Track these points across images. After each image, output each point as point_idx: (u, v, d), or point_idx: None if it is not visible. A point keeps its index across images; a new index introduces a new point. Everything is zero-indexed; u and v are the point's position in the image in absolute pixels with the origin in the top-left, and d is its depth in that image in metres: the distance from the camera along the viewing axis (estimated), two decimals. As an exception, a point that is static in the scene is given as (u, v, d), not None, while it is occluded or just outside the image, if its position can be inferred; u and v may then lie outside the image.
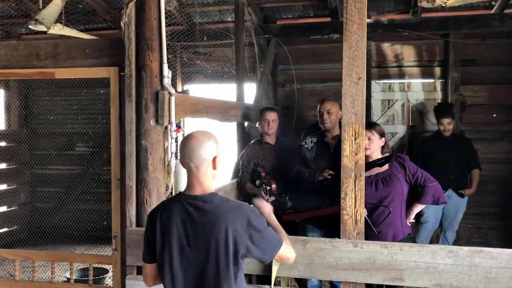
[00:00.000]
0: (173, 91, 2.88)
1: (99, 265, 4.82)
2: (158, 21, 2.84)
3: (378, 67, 6.06)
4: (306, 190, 3.69)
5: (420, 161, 4.70)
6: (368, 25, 2.60)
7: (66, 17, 5.04)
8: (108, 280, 4.95)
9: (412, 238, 4.69)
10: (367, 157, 3.10)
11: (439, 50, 5.92)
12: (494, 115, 5.70)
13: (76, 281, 3.68)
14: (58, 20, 4.72)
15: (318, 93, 6.08)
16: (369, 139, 3.29)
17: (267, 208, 2.32)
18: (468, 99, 5.80)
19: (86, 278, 4.35)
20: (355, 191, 2.59)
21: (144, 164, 2.85)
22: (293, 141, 4.27)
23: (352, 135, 2.58)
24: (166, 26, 2.91)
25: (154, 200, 2.83)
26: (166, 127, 2.89)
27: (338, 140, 3.69)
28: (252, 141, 4.38)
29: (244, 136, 4.76)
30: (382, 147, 3.39)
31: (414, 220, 3.46)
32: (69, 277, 4.58)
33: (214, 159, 2.01)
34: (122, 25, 2.86)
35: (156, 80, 2.85)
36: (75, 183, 6.82)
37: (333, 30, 5.77)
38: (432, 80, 6.00)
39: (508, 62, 5.58)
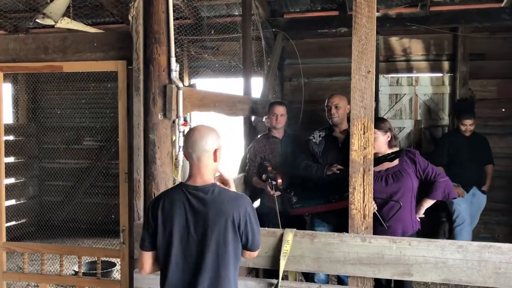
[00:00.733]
0: (180, 84, 2.88)
1: (107, 259, 4.85)
2: (166, 15, 2.84)
3: (386, 61, 6.02)
4: (313, 185, 3.68)
5: (445, 159, 4.82)
6: (376, 19, 2.57)
7: (74, 11, 5.04)
8: (116, 273, 4.98)
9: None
10: (374, 154, 3.09)
11: (447, 44, 5.87)
12: (503, 110, 5.64)
13: (84, 274, 3.71)
14: (65, 14, 4.72)
15: (326, 87, 6.06)
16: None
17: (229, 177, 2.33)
18: (476, 93, 5.74)
19: (94, 272, 4.39)
20: (363, 185, 2.59)
21: (152, 158, 2.85)
22: (302, 135, 4.26)
23: (361, 129, 2.57)
24: (173, 19, 2.90)
25: (162, 193, 2.83)
26: (173, 121, 2.89)
27: (347, 134, 3.67)
28: (260, 135, 4.37)
29: (251, 130, 4.75)
30: (390, 141, 3.36)
31: (424, 215, 3.44)
32: (76, 270, 4.62)
33: (215, 152, 2.10)
34: (130, 18, 2.85)
35: (164, 74, 2.85)
36: (83, 177, 6.86)
37: (340, 24, 5.72)
38: (440, 74, 5.95)
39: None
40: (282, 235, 2.59)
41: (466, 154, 4.93)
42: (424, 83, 5.98)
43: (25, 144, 6.77)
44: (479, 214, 5.18)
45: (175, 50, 2.90)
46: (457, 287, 4.69)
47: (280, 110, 4.01)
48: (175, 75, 2.86)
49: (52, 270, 4.33)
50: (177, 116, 2.88)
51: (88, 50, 3.07)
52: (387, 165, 3.31)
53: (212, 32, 5.78)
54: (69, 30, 5.01)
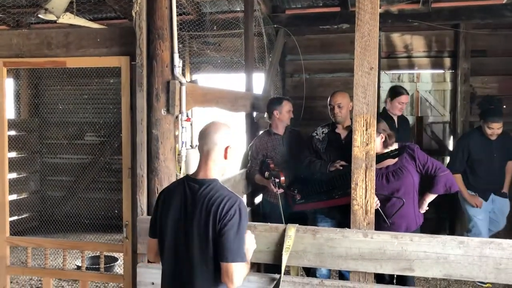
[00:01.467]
0: (184, 80, 2.89)
1: (109, 253, 4.87)
2: (170, 10, 2.85)
3: (387, 58, 6.03)
4: (316, 181, 3.70)
5: (462, 166, 4.43)
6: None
7: (76, 6, 5.05)
8: (117, 268, 5.00)
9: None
10: None
11: (449, 40, 5.87)
12: (504, 106, 5.64)
13: (86, 269, 3.74)
14: (68, 10, 4.72)
15: (327, 84, 6.07)
16: None
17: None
18: (477, 90, 5.75)
19: (96, 266, 4.42)
20: (365, 181, 2.60)
21: (155, 153, 2.87)
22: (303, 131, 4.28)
23: (363, 126, 2.58)
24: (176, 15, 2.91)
25: (165, 189, 2.85)
26: (176, 117, 2.90)
27: (350, 130, 3.69)
28: (261, 132, 4.38)
29: (252, 126, 4.76)
30: (384, 142, 3.32)
31: (428, 208, 3.47)
32: (78, 265, 4.65)
33: (226, 148, 2.08)
34: (133, 14, 2.86)
35: (167, 70, 2.86)
36: (84, 172, 6.88)
37: (342, 20, 5.74)
38: (441, 71, 5.96)
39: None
40: (284, 231, 2.61)
41: (488, 158, 4.43)
42: (426, 80, 5.98)
43: (27, 139, 6.78)
44: (504, 219, 4.68)
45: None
46: (456, 282, 4.73)
47: (291, 106, 4.08)
48: (178, 71, 2.87)
49: (54, 265, 4.35)
50: (180, 112, 2.89)
51: (91, 45, 3.08)
52: (387, 162, 3.32)
53: (215, 28, 5.78)
54: (71, 25, 5.02)
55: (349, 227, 2.66)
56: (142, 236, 2.80)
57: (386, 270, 2.52)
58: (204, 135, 2.08)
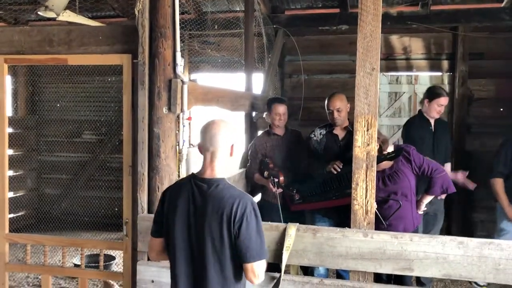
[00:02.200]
0: (186, 79, 2.89)
1: (106, 252, 4.86)
2: (172, 9, 2.85)
3: (386, 59, 6.05)
4: (314, 182, 3.71)
5: (508, 168, 3.92)
6: (378, 17, 2.60)
7: (74, 4, 5.04)
8: (115, 267, 4.99)
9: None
10: None
11: (447, 43, 5.91)
12: (502, 109, 5.69)
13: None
14: (69, 8, 4.72)
15: (326, 85, 6.09)
16: None
17: None
18: (475, 93, 5.79)
19: (93, 264, 4.41)
20: (366, 181, 2.62)
21: (156, 152, 2.87)
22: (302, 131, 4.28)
23: (364, 126, 2.60)
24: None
25: (165, 187, 2.85)
26: (178, 115, 2.91)
27: (347, 131, 3.71)
28: (261, 132, 4.39)
29: (252, 126, 4.77)
30: (379, 149, 3.30)
31: (426, 208, 3.49)
32: (75, 263, 4.65)
33: (231, 147, 2.10)
34: (136, 12, 2.86)
35: (169, 68, 2.86)
36: (82, 170, 6.86)
37: (341, 21, 5.76)
38: (439, 73, 5.99)
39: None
40: (285, 230, 2.62)
41: None
42: (424, 82, 6.01)
43: (24, 137, 6.75)
44: None
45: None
46: (453, 283, 4.76)
47: (282, 109, 4.02)
48: (180, 69, 2.87)
49: (51, 263, 4.34)
50: (182, 111, 2.90)
51: (93, 43, 3.08)
52: (383, 165, 3.34)
53: (216, 27, 5.79)
54: (70, 23, 5.01)
55: (348, 226, 2.67)
56: (142, 234, 2.80)
57: (386, 269, 2.54)
58: (208, 137, 2.06)
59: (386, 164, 3.36)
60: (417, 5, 5.65)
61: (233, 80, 6.42)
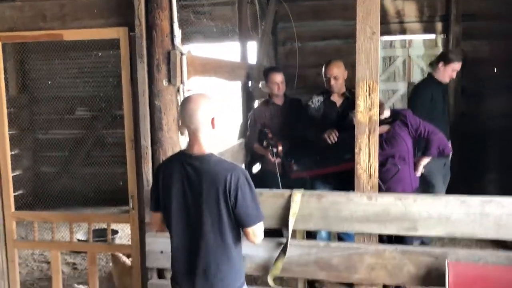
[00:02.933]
0: (184, 50, 2.87)
1: (105, 226, 4.90)
2: (168, -21, 2.80)
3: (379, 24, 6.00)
4: (312, 151, 3.76)
5: None
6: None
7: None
8: (118, 240, 5.05)
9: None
10: None
11: (440, 5, 5.84)
12: (495, 70, 5.71)
13: (84, 242, 3.77)
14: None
15: (320, 51, 6.03)
16: None
17: None
18: (469, 54, 5.78)
19: (97, 239, 4.46)
20: (369, 145, 2.65)
21: (159, 125, 2.87)
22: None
23: (366, 91, 2.61)
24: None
25: (170, 159, 2.87)
26: (178, 87, 2.90)
27: (345, 98, 3.73)
28: (260, 102, 4.39)
29: (248, 96, 4.76)
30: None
31: (424, 170, 3.55)
32: (79, 238, 4.70)
33: (212, 120, 2.11)
34: (131, -17, 2.81)
35: (167, 40, 2.83)
36: (78, 147, 6.83)
37: (334, -14, 5.68)
38: (433, 36, 5.97)
39: (509, 17, 5.54)
40: (290, 196, 2.67)
41: None
42: (417, 45, 6.00)
43: (17, 116, 6.68)
44: None
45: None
46: (451, 241, 4.86)
47: (279, 77, 4.00)
48: (178, 40, 2.85)
49: (57, 238, 4.39)
50: (182, 82, 2.88)
51: (87, 17, 3.01)
52: (381, 130, 3.37)
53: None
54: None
55: (348, 191, 2.72)
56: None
57: (391, 230, 2.61)
58: (188, 117, 2.07)
59: (384, 128, 3.40)
60: (410, -34, 5.58)
61: (226, 50, 6.35)
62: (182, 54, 2.85)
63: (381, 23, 5.81)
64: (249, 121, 4.19)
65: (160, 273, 2.95)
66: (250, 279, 2.86)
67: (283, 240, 2.69)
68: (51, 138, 6.76)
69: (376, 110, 2.62)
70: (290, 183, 3.63)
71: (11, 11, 3.12)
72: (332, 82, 3.66)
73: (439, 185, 4.06)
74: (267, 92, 4.15)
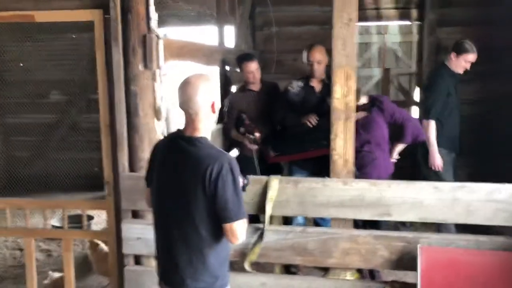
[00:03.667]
0: (160, 34, 2.82)
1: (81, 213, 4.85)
2: (143, -40, 2.74)
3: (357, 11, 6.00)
4: (290, 136, 3.77)
5: None
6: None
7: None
8: (94, 226, 5.01)
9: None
10: None
11: (417, -9, 5.90)
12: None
13: (58, 228, 3.71)
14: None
15: (297, 37, 6.02)
16: None
17: None
18: (444, 41, 5.86)
19: (72, 225, 4.41)
20: (345, 132, 2.68)
21: (135, 110, 2.84)
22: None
23: (343, 78, 2.62)
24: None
25: (146, 145, 2.84)
26: (154, 72, 2.85)
27: (324, 84, 3.74)
28: (236, 87, 4.36)
29: (226, 81, 4.73)
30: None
31: (399, 156, 3.62)
32: (54, 224, 4.63)
33: (212, 105, 2.03)
34: (105, -36, 2.73)
35: (143, 23, 2.79)
36: (52, 132, 6.69)
37: (312, -29, 5.66)
38: (409, 23, 6.02)
39: (483, 3, 5.61)
40: (267, 182, 2.68)
41: None
42: (393, 32, 6.05)
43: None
44: None
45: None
46: (423, 226, 4.98)
47: (253, 65, 3.89)
48: (154, 24, 2.80)
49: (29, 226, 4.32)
50: (158, 67, 2.84)
51: (61, -3, 2.94)
52: (357, 116, 3.41)
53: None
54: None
55: (325, 176, 2.75)
56: (126, 192, 2.81)
57: (365, 215, 2.65)
58: (186, 99, 1.96)
59: (360, 114, 3.43)
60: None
61: (203, 34, 6.28)
62: (158, 37, 2.81)
63: (358, 10, 5.88)
64: (225, 107, 4.15)
65: (137, 259, 2.94)
66: (227, 264, 2.88)
67: (260, 226, 2.71)
68: (23, 123, 6.60)
69: (352, 97, 2.64)
70: (268, 168, 3.67)
71: (-21, -9, 3.00)
72: (316, 67, 3.66)
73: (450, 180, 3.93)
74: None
